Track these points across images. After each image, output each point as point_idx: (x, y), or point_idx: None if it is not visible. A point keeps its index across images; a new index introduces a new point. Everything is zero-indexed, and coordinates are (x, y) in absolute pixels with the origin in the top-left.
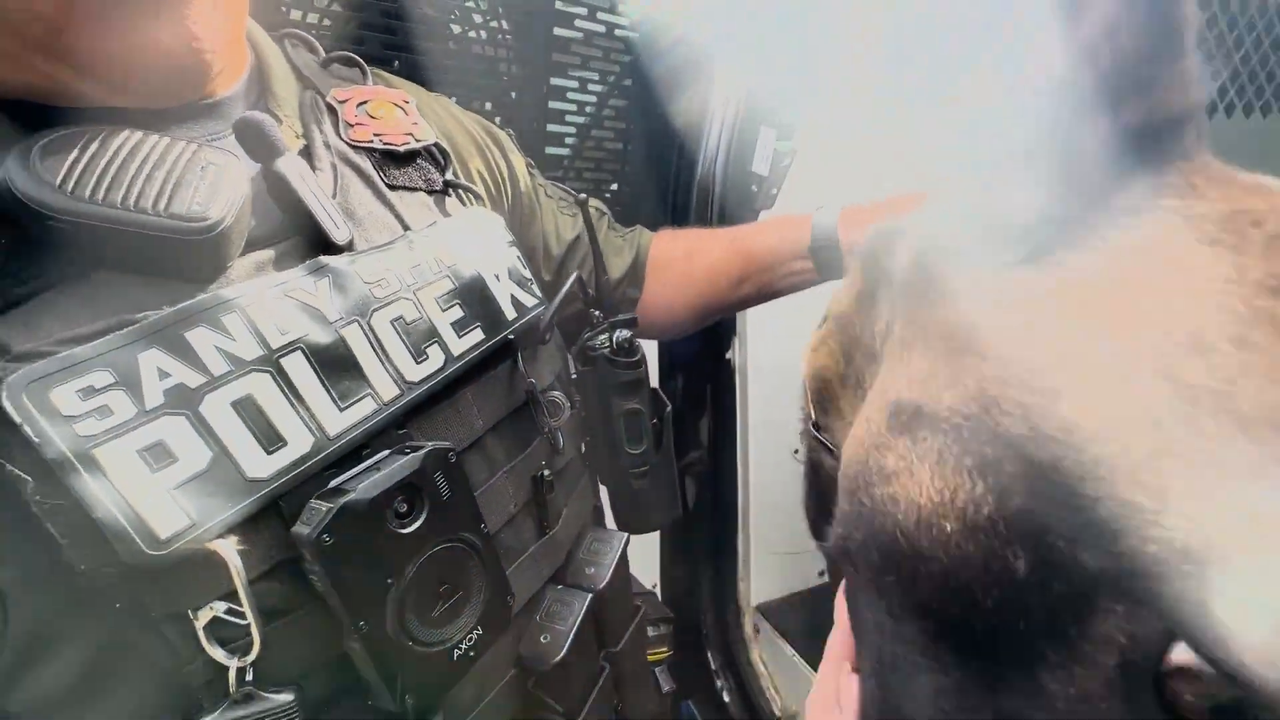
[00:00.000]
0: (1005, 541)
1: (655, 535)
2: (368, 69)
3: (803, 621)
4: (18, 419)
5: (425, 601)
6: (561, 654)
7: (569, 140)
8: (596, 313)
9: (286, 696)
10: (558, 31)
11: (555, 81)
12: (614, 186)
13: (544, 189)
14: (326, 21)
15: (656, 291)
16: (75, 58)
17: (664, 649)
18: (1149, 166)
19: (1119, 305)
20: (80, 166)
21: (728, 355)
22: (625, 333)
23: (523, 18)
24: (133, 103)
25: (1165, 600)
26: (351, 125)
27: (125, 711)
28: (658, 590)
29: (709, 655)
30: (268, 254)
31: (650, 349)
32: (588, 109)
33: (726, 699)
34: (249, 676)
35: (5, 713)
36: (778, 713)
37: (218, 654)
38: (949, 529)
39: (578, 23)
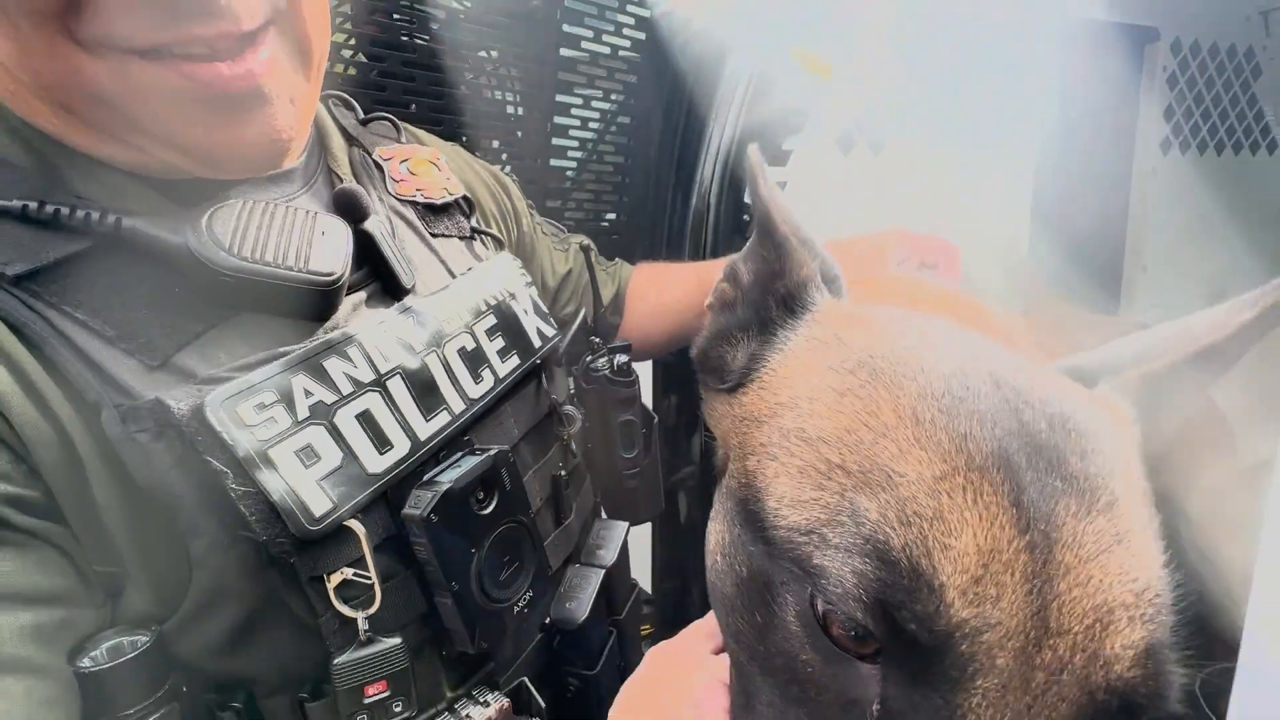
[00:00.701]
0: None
1: (647, 551)
2: (400, 125)
3: None
4: (218, 427)
5: (495, 568)
6: (584, 616)
7: (569, 174)
8: (596, 340)
9: (395, 640)
10: (562, 76)
11: (558, 120)
12: (610, 216)
13: (540, 227)
14: (351, 70)
15: (633, 319)
16: (187, 150)
17: (649, 625)
18: (795, 321)
19: (771, 408)
20: (239, 232)
21: None
22: (623, 357)
23: (532, 65)
24: (226, 176)
25: (805, 570)
26: (397, 181)
27: (268, 656)
28: (645, 584)
29: None
30: (359, 297)
31: (645, 370)
32: (588, 145)
33: None
34: (365, 627)
35: (176, 657)
36: None
37: (344, 609)
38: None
39: (580, 68)
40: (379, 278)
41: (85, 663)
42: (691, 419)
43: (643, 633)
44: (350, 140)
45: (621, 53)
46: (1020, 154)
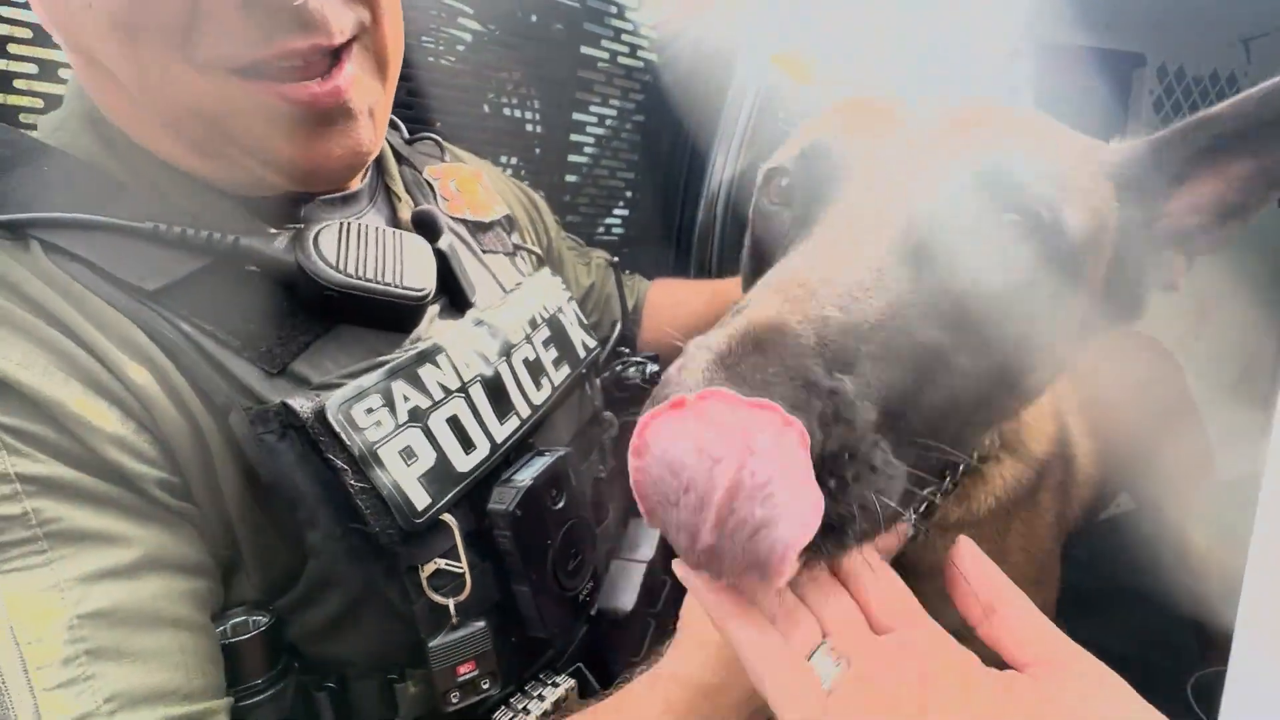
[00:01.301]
0: None
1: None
2: (445, 146)
3: None
4: (338, 428)
5: (566, 560)
6: (631, 607)
7: (585, 190)
8: (626, 350)
9: (481, 623)
10: (579, 95)
11: (574, 138)
12: (620, 231)
13: (566, 242)
14: None
15: (649, 333)
16: (280, 165)
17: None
18: None
19: None
20: (343, 251)
21: None
22: (654, 366)
23: (549, 87)
24: (313, 189)
25: None
26: (447, 199)
27: (363, 641)
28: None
29: None
30: (435, 309)
31: None
32: (600, 161)
33: None
34: (454, 612)
35: (285, 638)
36: None
37: (435, 596)
38: None
39: (595, 97)
40: (447, 292)
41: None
42: None
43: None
44: (400, 159)
45: (635, 73)
46: None
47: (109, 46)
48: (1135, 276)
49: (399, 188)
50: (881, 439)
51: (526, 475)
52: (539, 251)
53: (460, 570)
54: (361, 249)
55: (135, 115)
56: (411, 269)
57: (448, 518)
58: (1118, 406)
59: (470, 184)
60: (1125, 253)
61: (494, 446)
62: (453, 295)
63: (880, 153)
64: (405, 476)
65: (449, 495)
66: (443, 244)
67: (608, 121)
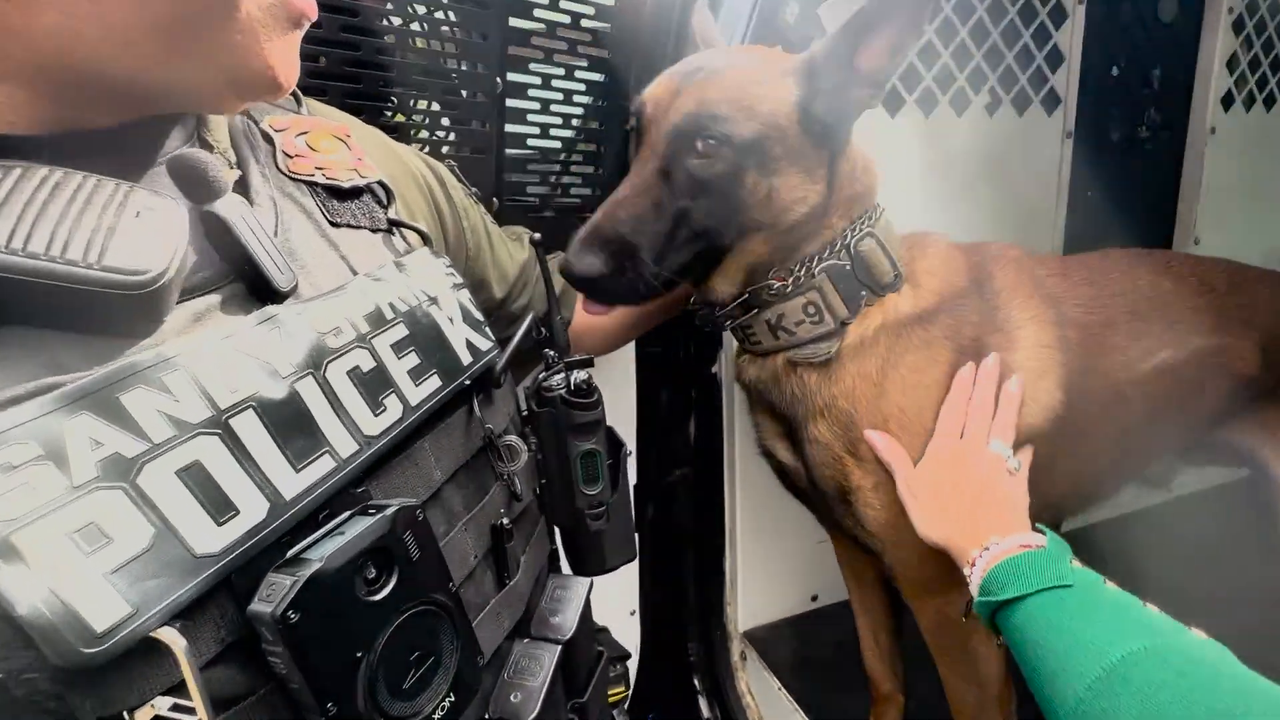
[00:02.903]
0: None
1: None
2: (301, 96)
3: (790, 652)
4: None
5: (397, 672)
6: (536, 712)
7: (531, 143)
8: (551, 353)
9: None
10: (514, 22)
11: (513, 78)
12: (584, 191)
13: (488, 218)
14: None
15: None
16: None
17: (621, 688)
18: None
19: None
20: (7, 212)
21: (713, 370)
22: (582, 374)
23: (472, 7)
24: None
25: None
26: (291, 156)
27: None
28: (637, 617)
29: (695, 680)
30: (206, 302)
31: (628, 366)
32: (552, 107)
33: None
34: None
35: None
36: None
37: None
38: None
39: (537, 12)
40: (245, 278)
41: None
42: (683, 412)
43: (614, 698)
44: None
45: (585, 22)
46: (1055, 106)
47: None
48: (836, 114)
49: (218, 134)
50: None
51: (322, 551)
52: (422, 230)
53: (192, 718)
54: (38, 211)
55: None
56: (133, 242)
57: (167, 634)
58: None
59: (328, 140)
60: (816, 108)
61: (278, 507)
62: (254, 282)
63: (656, 109)
64: (75, 575)
65: (174, 596)
66: (223, 207)
67: (554, 82)
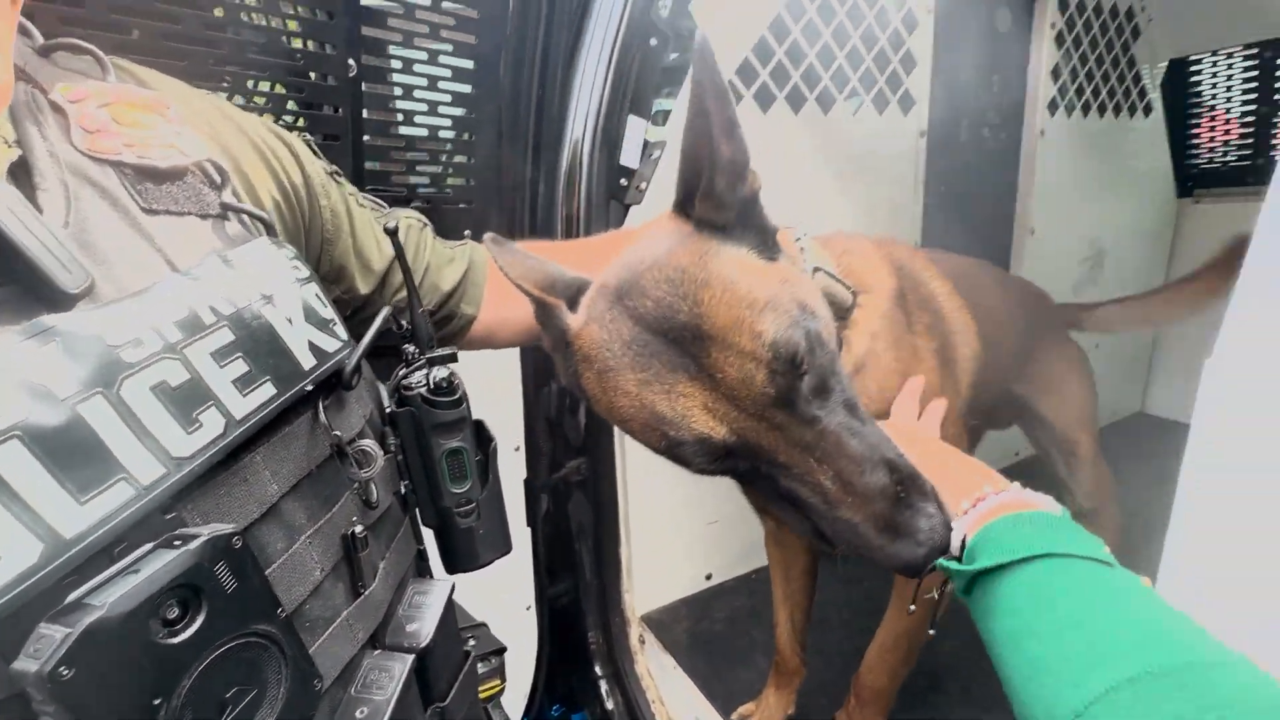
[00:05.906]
0: None
1: (528, 547)
2: (107, 61)
3: (684, 632)
4: None
5: (207, 714)
6: None
7: (394, 130)
8: (411, 349)
9: None
10: (366, 2)
11: (368, 61)
12: (457, 181)
13: (355, 197)
14: None
15: (495, 307)
16: None
17: (497, 682)
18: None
19: None
20: None
21: None
22: (443, 370)
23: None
24: None
25: None
26: (90, 133)
27: None
28: (533, 611)
29: (595, 668)
30: None
31: (513, 358)
32: (415, 93)
33: (613, 710)
34: None
35: None
36: None
37: None
38: None
39: (395, 35)
40: (21, 280)
41: None
42: (573, 403)
43: (488, 693)
44: (18, 75)
45: (445, 4)
46: (912, 111)
47: None
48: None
49: None
50: None
51: (108, 596)
52: (262, 215)
53: None
54: None
55: None
56: None
57: None
58: (993, 310)
59: (139, 112)
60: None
61: (54, 548)
62: (30, 282)
63: None
64: None
65: None
66: None
67: (416, 67)
